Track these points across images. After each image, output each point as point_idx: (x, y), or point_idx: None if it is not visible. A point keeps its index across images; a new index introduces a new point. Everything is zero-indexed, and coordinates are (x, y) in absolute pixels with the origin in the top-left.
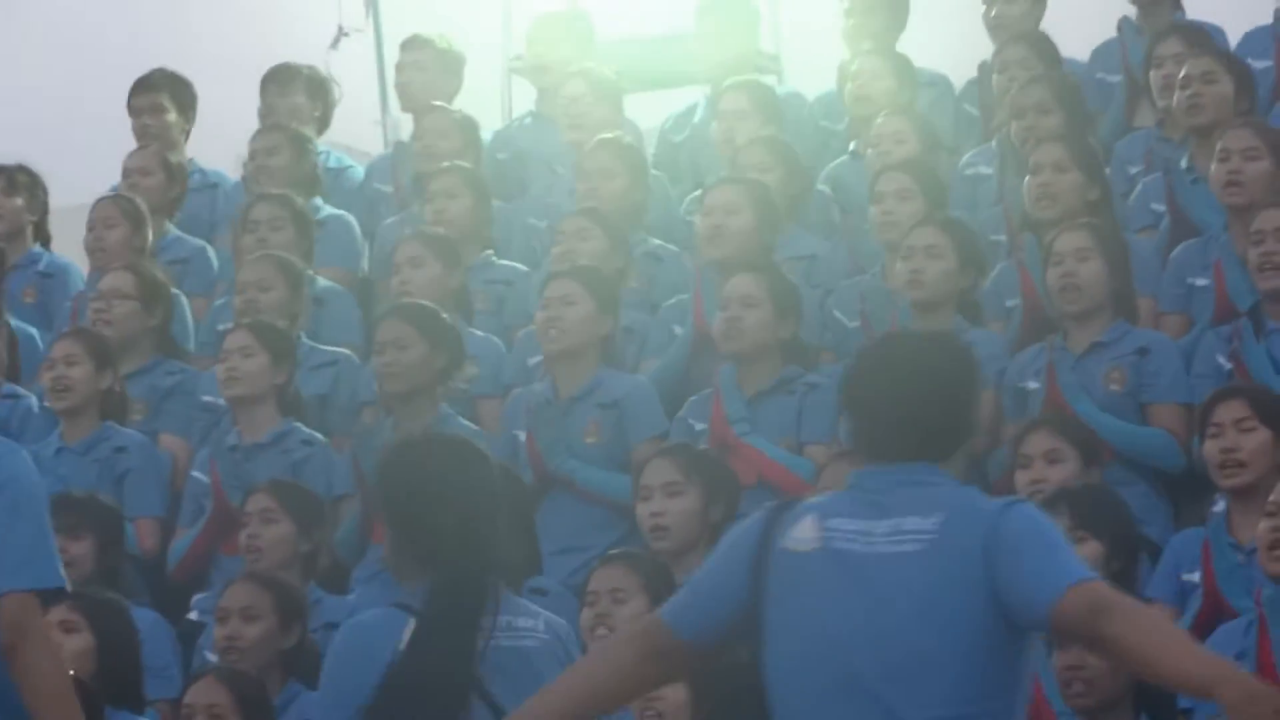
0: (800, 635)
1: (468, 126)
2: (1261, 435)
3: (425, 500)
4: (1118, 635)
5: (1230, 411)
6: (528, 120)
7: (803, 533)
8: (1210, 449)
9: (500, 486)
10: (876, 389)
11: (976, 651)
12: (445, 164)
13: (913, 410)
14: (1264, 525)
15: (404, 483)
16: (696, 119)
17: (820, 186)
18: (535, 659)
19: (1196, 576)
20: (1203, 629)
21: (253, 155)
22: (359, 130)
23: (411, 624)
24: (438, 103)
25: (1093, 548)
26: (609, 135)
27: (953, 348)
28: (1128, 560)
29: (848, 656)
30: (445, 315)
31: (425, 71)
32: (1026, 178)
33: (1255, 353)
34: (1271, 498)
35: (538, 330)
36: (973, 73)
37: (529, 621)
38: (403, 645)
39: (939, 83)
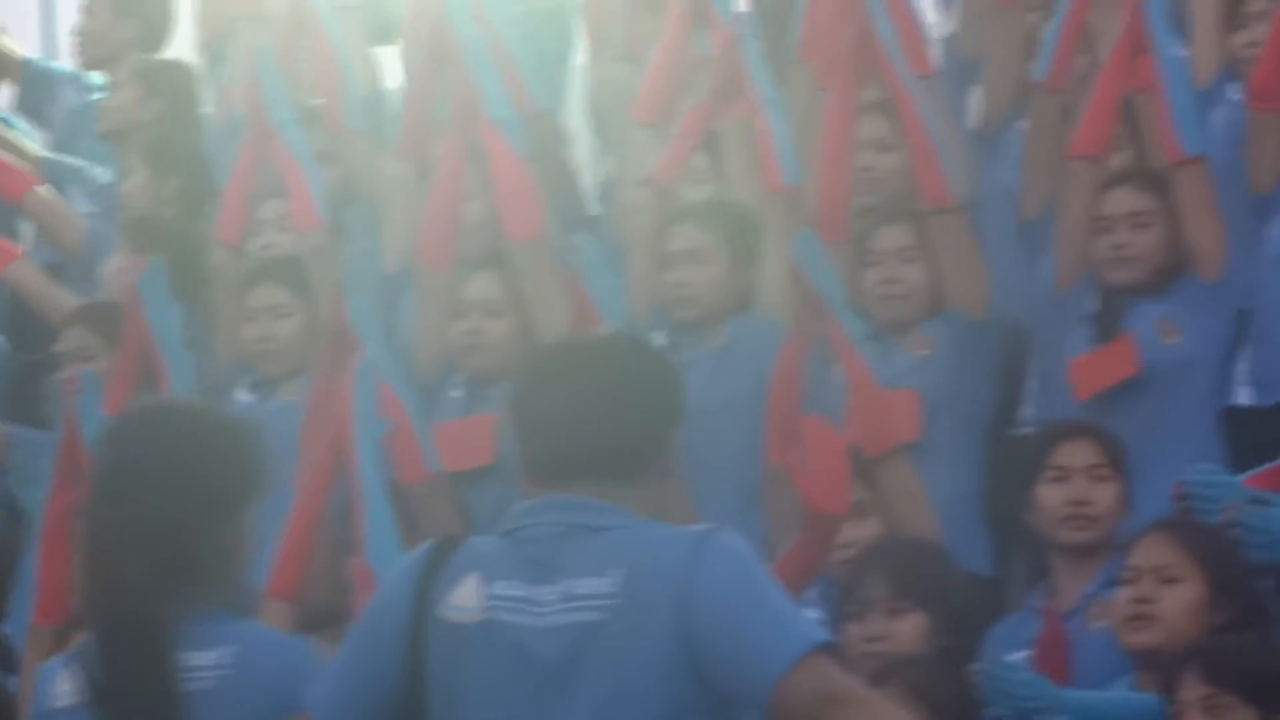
0: None
1: None
2: (1116, 487)
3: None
4: None
5: (1080, 455)
6: None
7: (464, 598)
8: (1053, 496)
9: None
10: (544, 400)
11: None
12: None
13: (583, 424)
14: (1122, 594)
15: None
16: None
17: None
18: (204, 706)
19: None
20: None
21: None
22: None
23: (63, 676)
24: None
25: (916, 620)
26: None
27: (639, 351)
28: (959, 634)
29: None
30: None
31: None
32: None
33: None
34: (1131, 561)
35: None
36: None
37: (211, 655)
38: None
39: None
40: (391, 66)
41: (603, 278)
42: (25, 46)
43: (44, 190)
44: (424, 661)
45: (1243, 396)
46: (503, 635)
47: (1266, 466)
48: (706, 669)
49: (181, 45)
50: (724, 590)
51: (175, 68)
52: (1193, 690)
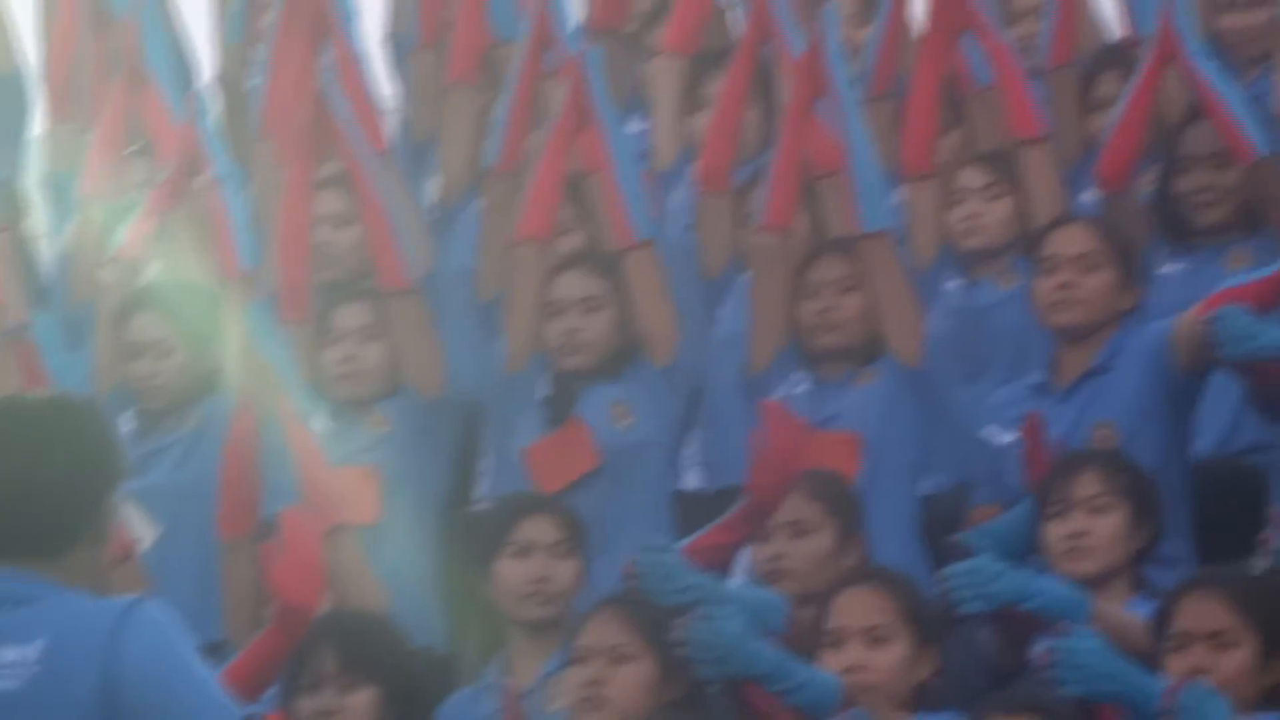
0: None
1: None
2: (576, 563)
3: None
4: None
5: (542, 531)
6: None
7: None
8: (514, 572)
9: None
10: None
11: None
12: None
13: (3, 496)
14: (573, 675)
15: None
16: None
17: None
18: None
19: None
20: None
21: None
22: None
23: None
24: None
25: (367, 695)
26: None
27: (68, 414)
28: (412, 708)
29: None
30: None
31: None
32: None
33: None
34: (581, 641)
35: None
36: None
37: None
38: None
39: None
40: None
41: (58, 353)
42: None
43: None
44: None
45: (691, 480)
46: None
47: (709, 527)
48: None
49: None
50: (148, 663)
51: None
52: None
